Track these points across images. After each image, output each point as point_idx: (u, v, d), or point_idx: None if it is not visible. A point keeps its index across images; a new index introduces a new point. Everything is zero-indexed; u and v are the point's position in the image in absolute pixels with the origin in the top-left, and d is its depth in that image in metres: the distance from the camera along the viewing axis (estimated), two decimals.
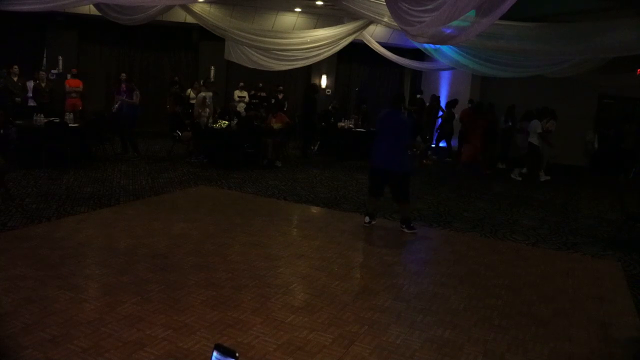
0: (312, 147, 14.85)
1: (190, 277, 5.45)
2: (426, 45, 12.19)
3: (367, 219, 8.04)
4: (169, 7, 11.05)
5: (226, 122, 12.19)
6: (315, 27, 14.48)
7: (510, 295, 5.72)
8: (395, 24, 8.20)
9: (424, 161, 14.74)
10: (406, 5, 6.58)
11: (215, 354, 1.34)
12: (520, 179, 13.39)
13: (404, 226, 7.90)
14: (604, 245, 7.88)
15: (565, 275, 6.54)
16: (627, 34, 8.23)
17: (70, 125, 10.98)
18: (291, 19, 15.61)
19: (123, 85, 13.44)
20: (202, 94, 13.08)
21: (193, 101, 13.89)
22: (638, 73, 13.53)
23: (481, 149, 13.37)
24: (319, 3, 13.72)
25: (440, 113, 16.81)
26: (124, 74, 14.18)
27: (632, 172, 13.40)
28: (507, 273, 6.43)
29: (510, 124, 14.86)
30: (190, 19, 12.47)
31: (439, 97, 17.10)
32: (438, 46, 12.11)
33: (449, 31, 7.06)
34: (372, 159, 7.92)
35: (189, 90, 15.27)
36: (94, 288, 5.09)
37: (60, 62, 15.81)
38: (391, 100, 8.15)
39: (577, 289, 6.11)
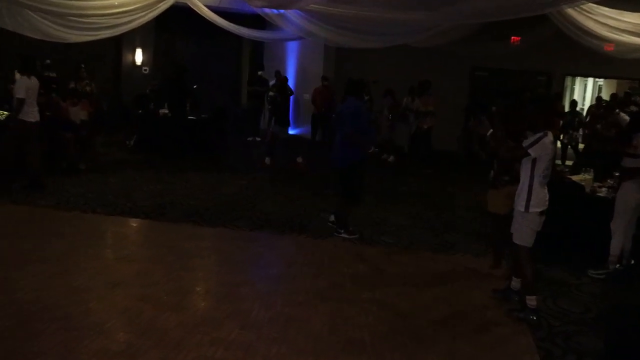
0: (128, 142, 14.40)
1: None
2: (267, 10, 12.27)
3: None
4: None
5: (5, 112, 11.37)
6: None
7: (382, 310, 5.93)
8: None
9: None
10: None
11: None
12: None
13: (341, 230, 8.31)
14: (485, 242, 8.40)
15: (445, 281, 6.88)
16: None
17: None
18: None
19: None
20: None
21: None
22: (512, 41, 14.57)
23: None
24: None
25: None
26: None
27: None
28: (377, 283, 6.66)
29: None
30: None
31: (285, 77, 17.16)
32: (282, 11, 12.24)
33: None
34: None
35: None
36: None
37: None
38: (348, 87, 8.51)
39: (458, 296, 6.46)
